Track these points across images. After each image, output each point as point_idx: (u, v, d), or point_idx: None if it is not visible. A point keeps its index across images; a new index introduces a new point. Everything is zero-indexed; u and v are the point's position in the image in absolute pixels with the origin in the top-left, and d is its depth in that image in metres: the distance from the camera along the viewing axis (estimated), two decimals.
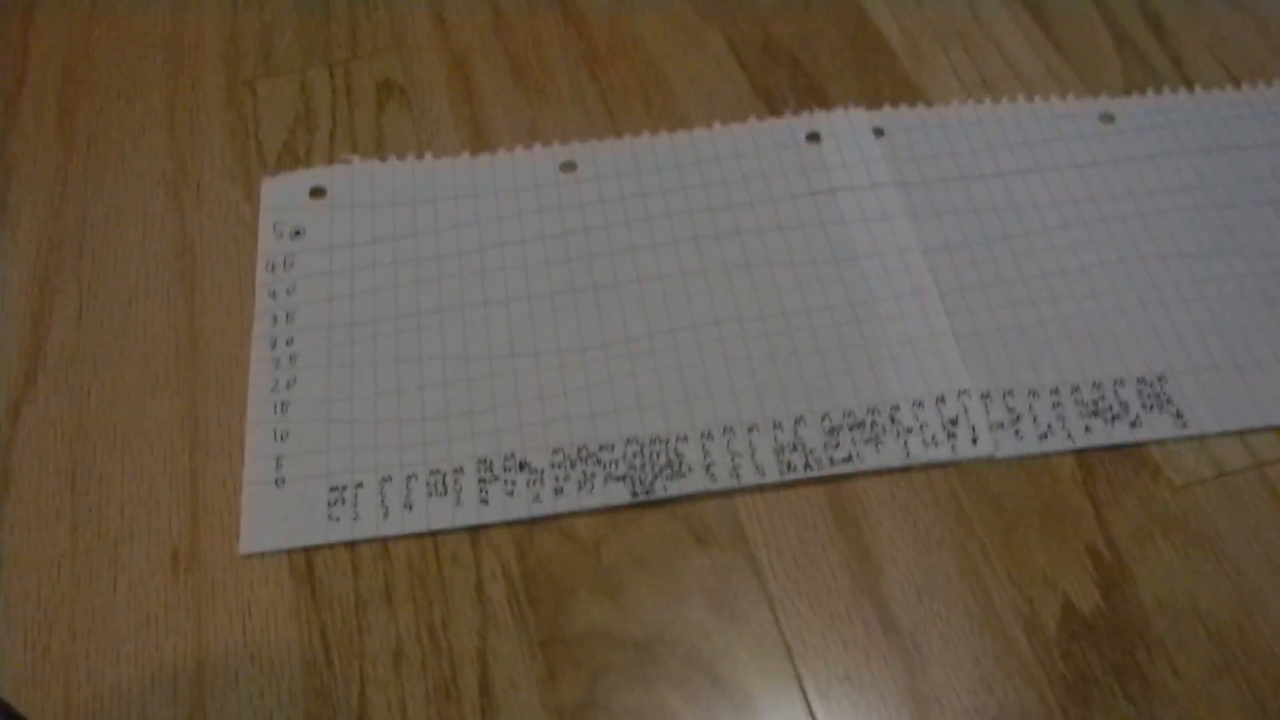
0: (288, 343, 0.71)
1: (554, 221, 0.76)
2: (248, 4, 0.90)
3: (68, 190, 0.80)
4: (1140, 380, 0.71)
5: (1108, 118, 0.83)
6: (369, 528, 0.65)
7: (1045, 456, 0.69)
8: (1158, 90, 0.86)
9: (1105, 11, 0.93)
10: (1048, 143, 0.82)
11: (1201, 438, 0.70)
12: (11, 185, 0.80)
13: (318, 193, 0.78)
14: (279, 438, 0.68)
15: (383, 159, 0.80)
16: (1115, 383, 0.71)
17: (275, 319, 0.72)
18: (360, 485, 0.66)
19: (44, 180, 0.80)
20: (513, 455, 0.67)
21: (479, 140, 0.81)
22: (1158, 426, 0.70)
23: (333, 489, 0.66)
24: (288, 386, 0.70)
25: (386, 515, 0.65)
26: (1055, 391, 0.70)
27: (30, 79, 0.87)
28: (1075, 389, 0.70)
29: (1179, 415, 0.70)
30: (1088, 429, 0.69)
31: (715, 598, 0.63)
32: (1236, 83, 0.88)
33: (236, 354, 0.72)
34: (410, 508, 0.65)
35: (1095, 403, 0.70)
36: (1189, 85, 0.87)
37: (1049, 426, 0.69)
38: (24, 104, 0.85)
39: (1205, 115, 0.85)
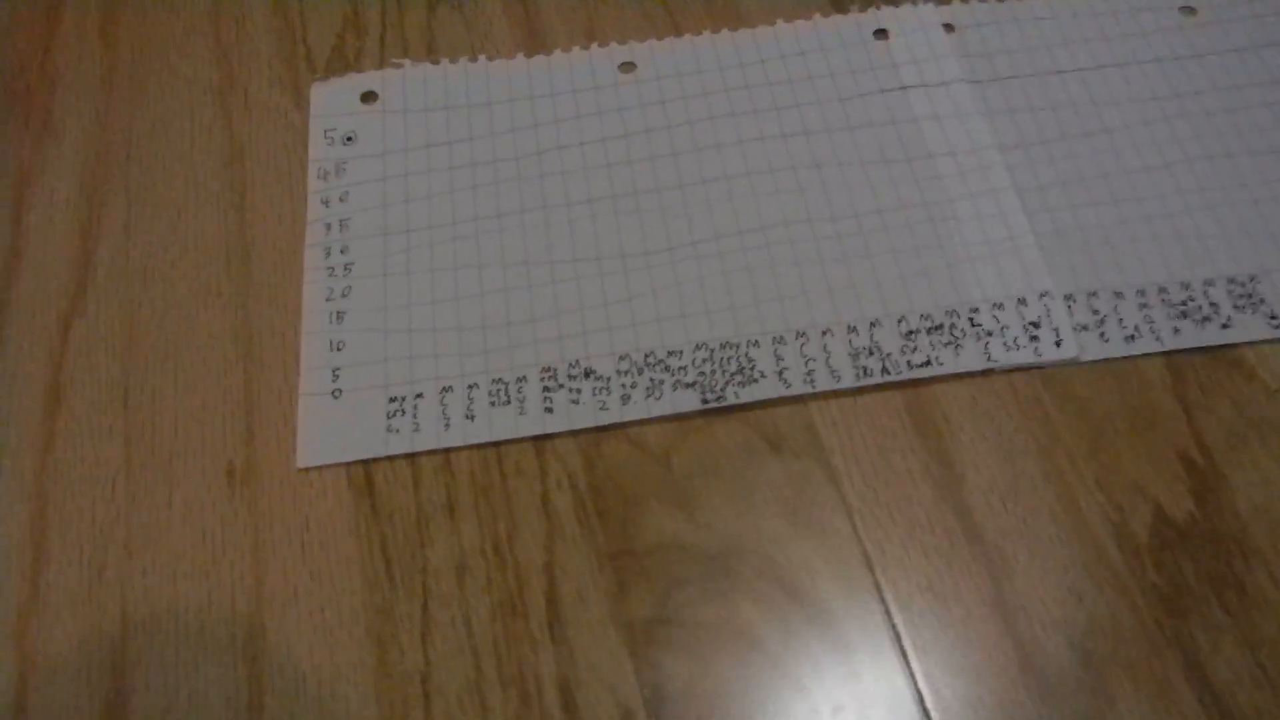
0: (342, 251, 0.68)
1: (614, 123, 0.72)
2: None
3: (112, 101, 0.77)
4: (1231, 280, 0.67)
5: (1189, 10, 0.79)
6: (430, 439, 0.62)
7: (1132, 359, 0.65)
8: None
9: None
10: (1127, 37, 0.77)
11: None
12: (56, 97, 0.77)
13: (369, 97, 0.74)
14: (335, 348, 0.64)
15: (435, 62, 0.76)
16: (1204, 283, 0.66)
17: (329, 227, 0.69)
18: (420, 395, 0.63)
19: (88, 91, 0.77)
20: (577, 363, 0.63)
21: (534, 42, 0.77)
22: (1250, 328, 0.65)
23: (391, 400, 0.63)
24: (343, 295, 0.66)
25: (448, 426, 0.62)
26: (1141, 293, 0.66)
27: None
28: (1162, 290, 0.66)
29: (1273, 316, 0.65)
30: (1176, 330, 0.65)
31: (790, 507, 0.60)
32: None
33: (289, 264, 0.68)
34: (472, 418, 0.62)
35: (1184, 303, 0.65)
36: None
37: (1136, 328, 0.65)
38: (65, 14, 0.82)
39: None
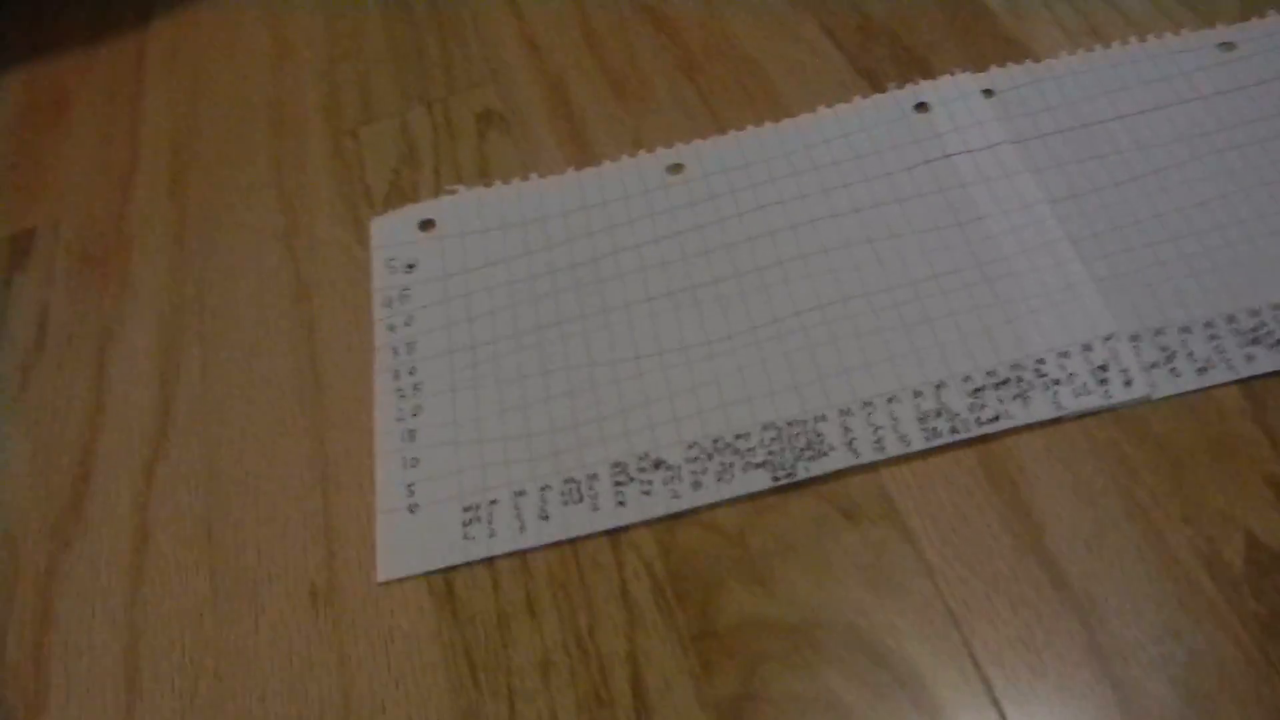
0: (410, 372, 0.69)
1: (666, 223, 0.73)
2: (344, 55, 0.89)
3: (185, 254, 0.79)
4: None
5: (1227, 46, 0.78)
6: (506, 543, 0.63)
7: (1207, 391, 0.64)
8: (1278, 11, 0.80)
9: None
10: (1167, 79, 0.77)
11: None
12: (132, 258, 0.79)
13: (427, 225, 0.76)
14: (409, 465, 0.65)
15: (488, 185, 0.77)
16: (1274, 307, 0.65)
17: (396, 351, 0.70)
18: (494, 502, 0.63)
19: (162, 249, 0.80)
20: (646, 455, 0.63)
21: (583, 156, 0.78)
22: None
23: (466, 509, 0.63)
24: (414, 414, 0.67)
25: (523, 529, 0.62)
26: (1209, 324, 0.65)
27: (142, 156, 0.87)
28: (1231, 319, 0.65)
29: None
30: (1250, 358, 0.64)
31: (870, 573, 0.59)
32: None
33: (360, 390, 0.69)
34: (547, 518, 0.62)
35: (1255, 330, 0.64)
36: None
37: (1207, 360, 0.64)
38: (138, 182, 0.85)
39: None
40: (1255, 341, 0.63)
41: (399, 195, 0.78)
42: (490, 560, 0.62)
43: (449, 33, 0.89)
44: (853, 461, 0.62)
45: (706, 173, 0.75)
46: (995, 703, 0.55)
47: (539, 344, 0.69)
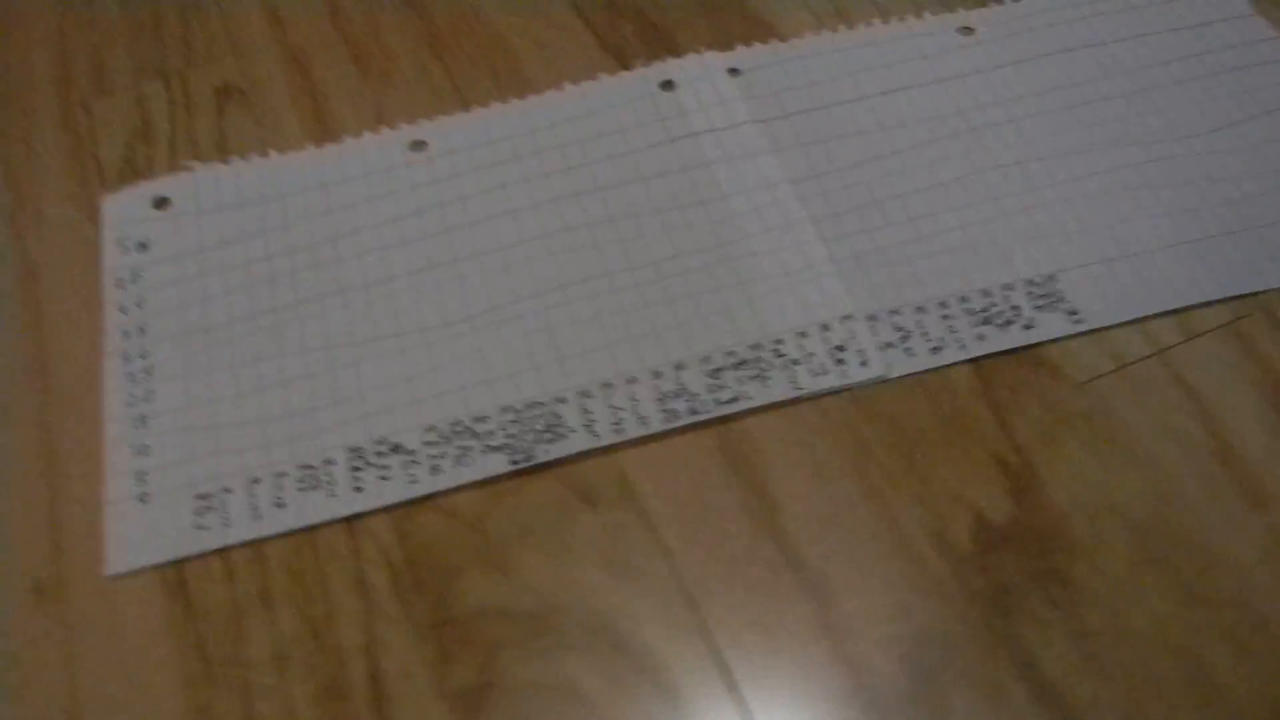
0: (142, 356, 0.66)
1: (408, 201, 0.72)
2: (76, 25, 0.85)
3: None
4: (1029, 282, 0.67)
5: (967, 30, 0.79)
6: (241, 532, 0.61)
7: (940, 371, 0.65)
8: None
9: None
10: (908, 62, 0.78)
11: (1098, 332, 0.66)
12: None
13: (162, 203, 0.73)
14: (139, 452, 0.63)
15: (226, 162, 0.74)
16: (1004, 288, 0.66)
17: (127, 334, 0.67)
18: (229, 490, 0.61)
19: None
20: (384, 439, 0.62)
21: (324, 132, 0.76)
22: (1052, 326, 0.66)
23: (200, 497, 0.61)
24: (145, 400, 0.65)
25: (258, 517, 0.61)
26: (943, 305, 0.66)
27: None
28: (964, 299, 0.66)
29: (1073, 312, 0.65)
30: (981, 337, 0.65)
31: (609, 557, 0.59)
32: None
33: (89, 375, 0.67)
34: (283, 506, 0.61)
35: (986, 310, 0.65)
36: None
37: (940, 340, 0.65)
38: None
39: (1063, 16, 0.81)
40: (986, 321, 0.65)
41: (133, 172, 0.75)
42: (225, 550, 0.61)
43: (189, 4, 0.86)
44: (592, 444, 0.62)
45: (449, 150, 0.74)
46: (733, 685, 0.55)
47: (275, 326, 0.67)
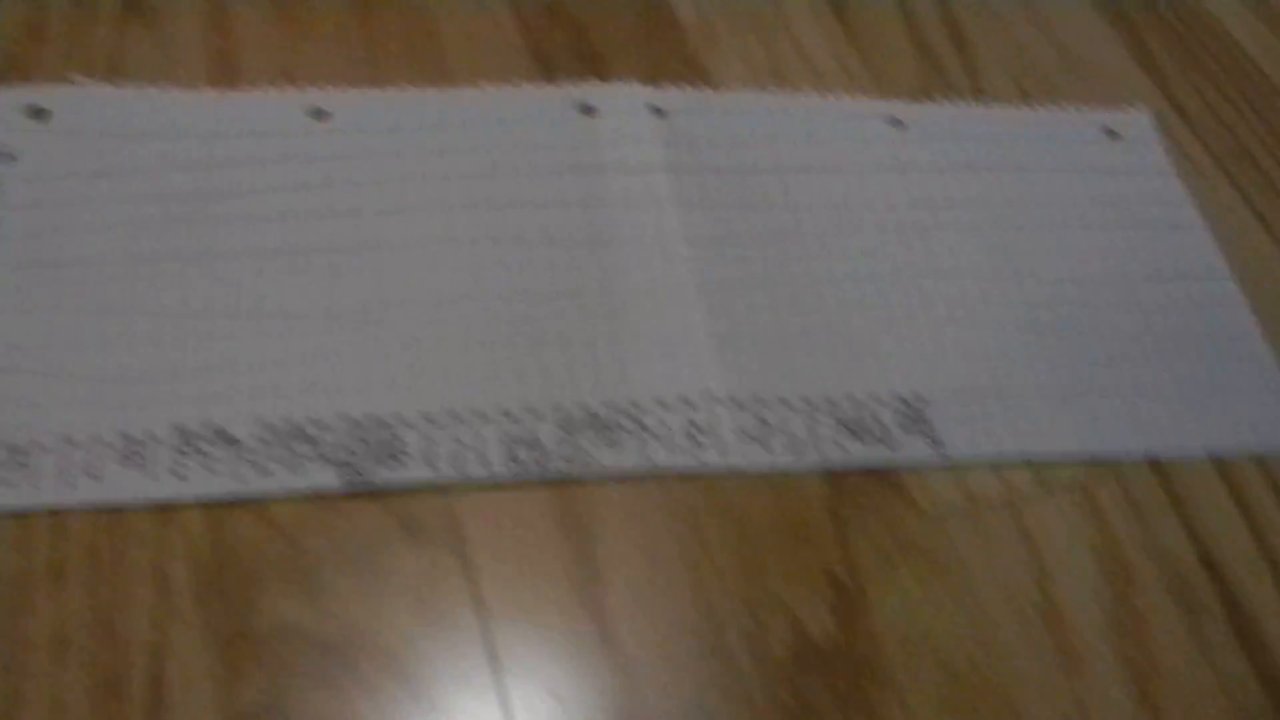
0: None
1: (298, 172, 0.70)
2: None
3: None
4: (901, 400, 0.67)
5: (897, 123, 0.79)
6: (46, 495, 0.58)
7: (795, 474, 0.64)
8: (950, 100, 0.82)
9: (908, 16, 0.89)
10: (833, 141, 0.78)
11: (956, 466, 0.66)
12: None
13: (39, 114, 0.70)
14: None
15: (116, 84, 0.71)
16: (874, 400, 0.67)
17: None
18: (44, 448, 0.59)
19: None
20: (214, 424, 0.60)
21: (226, 75, 0.74)
22: (914, 451, 0.66)
23: (9, 449, 0.58)
24: None
25: (68, 484, 0.58)
26: (811, 404, 0.66)
27: None
28: (832, 403, 0.66)
29: (936, 441, 0.66)
30: (841, 448, 0.65)
31: (420, 600, 0.58)
32: (1029, 100, 0.84)
33: None
34: (98, 478, 0.58)
35: (852, 420, 0.66)
36: (982, 98, 0.83)
37: (802, 443, 0.65)
38: None
39: (995, 131, 0.81)
40: (850, 433, 0.65)
41: (14, 71, 0.72)
42: (23, 513, 0.58)
43: None
44: (429, 476, 0.61)
45: (352, 127, 0.72)
46: None
47: (130, 278, 0.64)
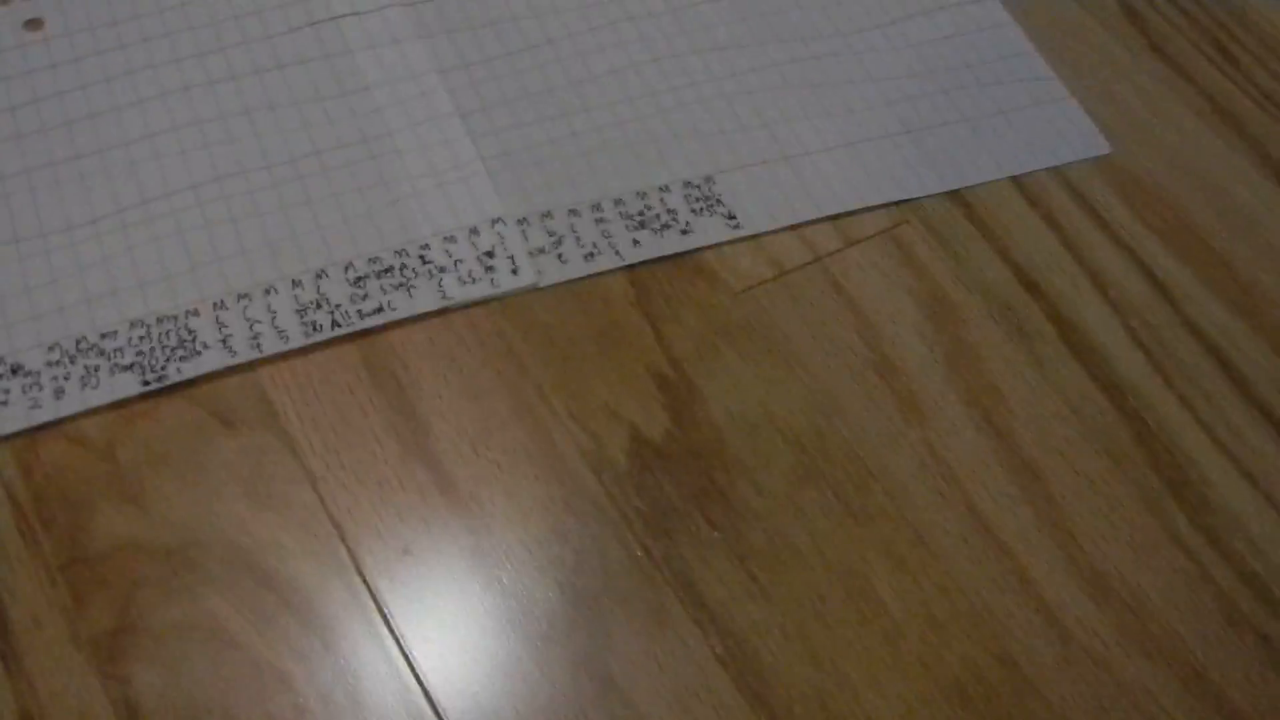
0: None
1: (22, 89, 0.68)
2: None
3: None
4: (687, 184, 0.68)
5: None
6: None
7: (595, 279, 0.66)
8: None
9: None
10: None
11: (757, 237, 0.68)
12: None
13: None
14: None
15: None
16: (661, 190, 0.68)
17: None
18: None
19: None
20: (2, 360, 0.59)
21: None
22: (710, 231, 0.67)
23: None
24: None
25: None
26: (597, 207, 0.67)
27: None
28: (619, 201, 0.67)
29: (731, 217, 0.67)
30: (636, 243, 0.66)
31: (251, 485, 0.58)
32: None
33: None
34: None
35: (641, 214, 0.67)
36: None
37: (594, 245, 0.66)
38: None
39: None
40: (642, 226, 0.66)
41: None
42: None
43: None
44: (228, 361, 0.61)
45: (70, 30, 0.70)
46: (385, 617, 0.56)
47: None
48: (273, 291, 0.62)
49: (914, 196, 0.71)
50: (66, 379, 0.59)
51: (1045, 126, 0.74)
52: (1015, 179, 0.73)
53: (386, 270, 0.63)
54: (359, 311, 0.62)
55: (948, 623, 0.59)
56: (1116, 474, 0.64)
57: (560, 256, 0.65)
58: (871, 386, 0.64)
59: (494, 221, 0.65)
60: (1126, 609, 0.60)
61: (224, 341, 0.60)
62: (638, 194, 0.67)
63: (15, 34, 0.70)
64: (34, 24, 0.70)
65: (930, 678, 0.57)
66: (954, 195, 0.72)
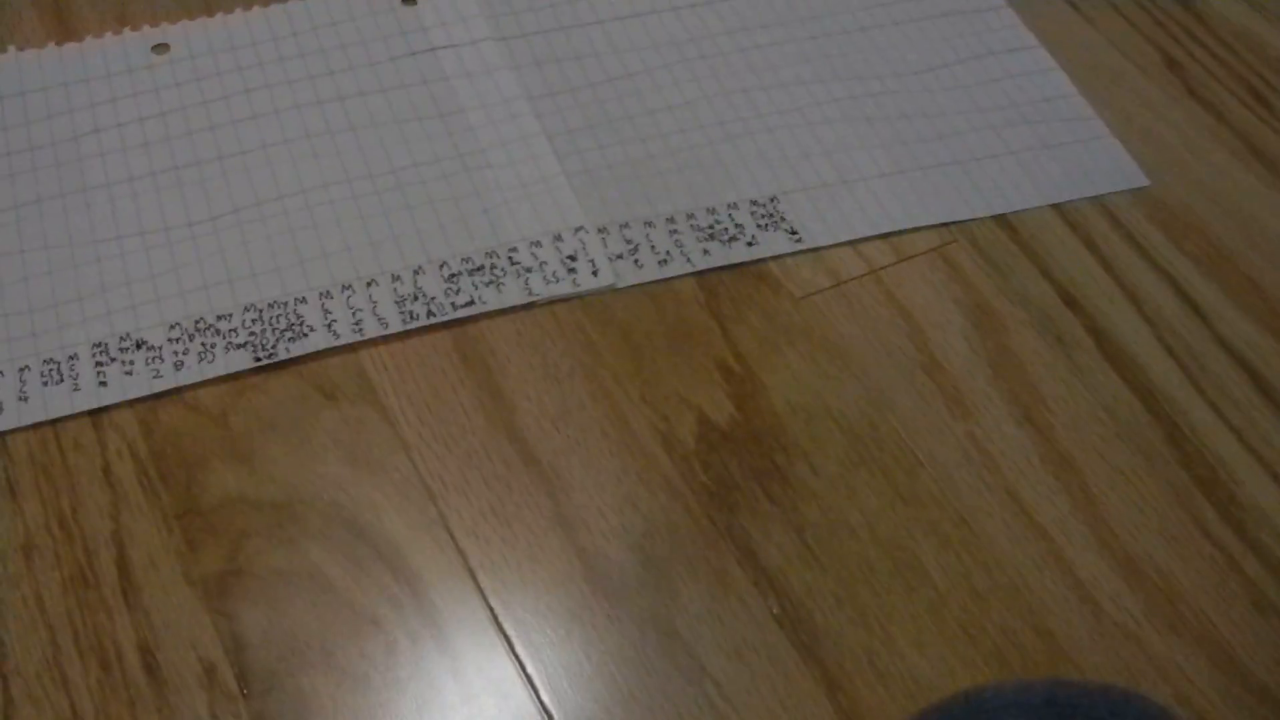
0: None
1: (151, 103, 0.75)
2: None
3: None
4: (753, 202, 0.74)
5: None
6: None
7: (667, 282, 0.72)
8: None
9: None
10: None
11: (817, 251, 0.74)
12: None
13: None
14: None
15: None
16: (729, 206, 0.74)
17: None
18: None
19: None
20: (128, 335, 0.66)
21: (65, 31, 0.79)
22: (774, 244, 0.73)
23: None
24: None
25: (0, 410, 0.63)
26: (671, 220, 0.73)
27: None
28: (690, 216, 0.73)
29: (793, 232, 0.73)
30: (706, 252, 0.72)
31: (349, 451, 0.64)
32: None
33: None
34: (25, 399, 0.64)
35: (711, 227, 0.73)
36: None
37: (668, 253, 0.71)
38: None
39: None
40: (711, 237, 0.72)
41: None
42: None
43: None
44: (332, 342, 0.67)
45: (193, 53, 0.78)
46: (470, 571, 0.61)
47: (17, 222, 0.70)
48: (374, 284, 0.68)
49: (961, 218, 0.75)
50: (185, 354, 0.65)
51: (1086, 161, 0.79)
52: (1057, 206, 0.78)
53: (478, 269, 0.69)
54: (452, 304, 0.68)
55: (988, 595, 0.63)
56: (1149, 470, 0.68)
57: (636, 262, 0.71)
58: (920, 384, 0.69)
59: (576, 229, 0.71)
60: (1157, 590, 0.64)
61: (329, 326, 0.67)
62: (708, 210, 0.73)
63: (144, 56, 0.77)
64: (161, 48, 0.77)
65: (971, 643, 0.62)
66: (999, 219, 0.77)
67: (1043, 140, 0.80)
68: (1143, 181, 0.80)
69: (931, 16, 0.86)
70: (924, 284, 0.73)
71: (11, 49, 0.78)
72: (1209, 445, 0.69)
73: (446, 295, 0.68)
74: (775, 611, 0.61)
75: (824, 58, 0.82)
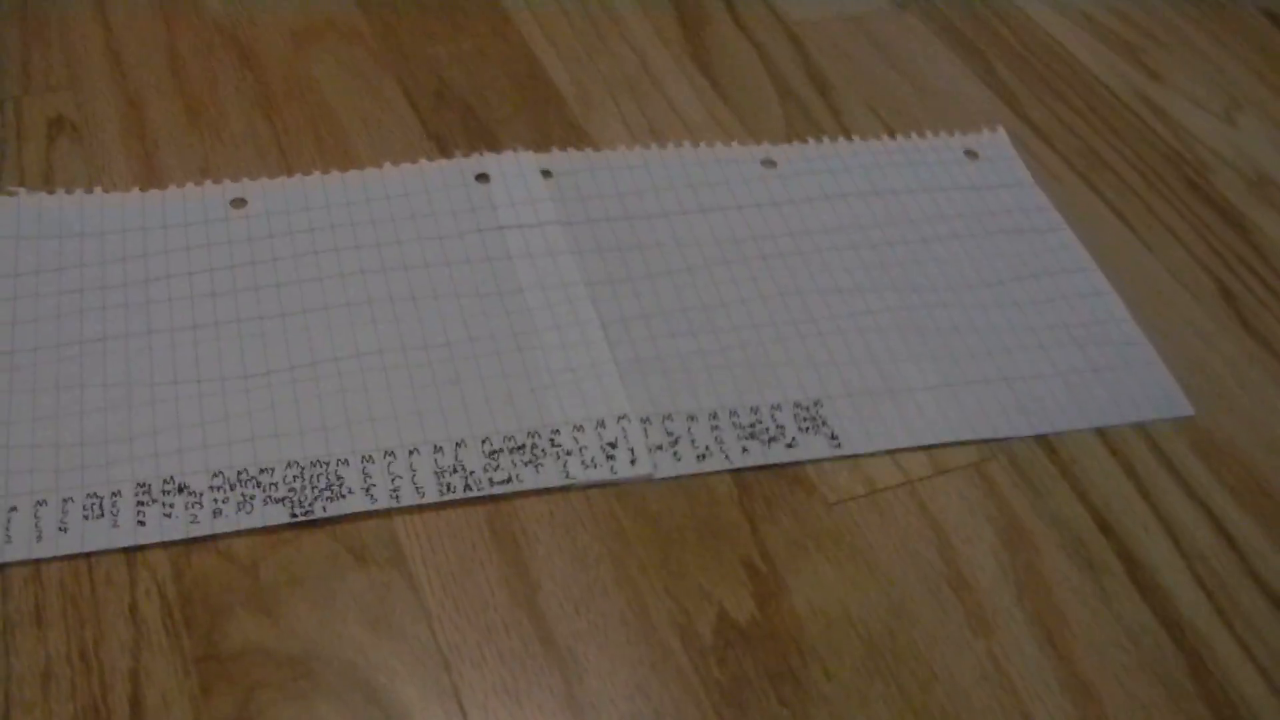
0: None
1: (222, 255, 0.79)
2: None
3: None
4: (796, 404, 0.75)
5: (770, 163, 0.89)
6: (20, 550, 0.66)
7: (703, 476, 0.73)
8: (818, 139, 0.92)
9: (770, 67, 1.00)
10: (711, 185, 0.87)
11: (855, 457, 0.75)
12: None
13: None
14: None
15: (50, 192, 0.80)
16: (772, 407, 0.75)
17: None
18: (14, 509, 0.66)
19: None
20: (171, 479, 0.68)
21: (150, 177, 0.83)
22: (813, 447, 0.74)
23: None
24: None
25: (40, 538, 0.66)
26: (714, 416, 0.74)
27: None
28: (733, 413, 0.75)
29: (834, 437, 0.74)
30: (745, 450, 0.73)
31: (372, 614, 0.65)
32: (891, 133, 0.94)
33: None
34: (65, 530, 0.66)
35: (752, 426, 0.74)
36: (848, 135, 0.93)
37: (707, 448, 0.73)
38: None
39: (862, 162, 0.91)
40: (752, 436, 0.73)
41: None
42: (2, 567, 0.65)
43: (32, 32, 0.92)
44: (368, 506, 0.69)
45: (269, 210, 0.81)
46: None
47: (80, 357, 0.73)
48: (415, 452, 0.70)
49: (1003, 436, 0.76)
50: (225, 502, 0.68)
51: (1133, 386, 0.80)
52: (1099, 430, 0.79)
53: (519, 447, 0.71)
54: (490, 479, 0.70)
55: None
56: (1169, 703, 0.67)
57: (675, 454, 0.72)
58: (944, 598, 0.69)
59: (620, 418, 0.73)
60: None
61: (367, 490, 0.68)
62: (751, 408, 0.74)
63: (223, 209, 0.81)
64: (238, 202, 0.81)
65: None
66: (1040, 438, 0.78)
67: (1091, 363, 0.81)
68: (1188, 411, 0.80)
69: (992, 233, 0.88)
70: (958, 499, 0.74)
71: (98, 190, 0.81)
72: (1233, 681, 0.68)
73: (485, 471, 0.70)
74: None
75: (881, 266, 0.84)
